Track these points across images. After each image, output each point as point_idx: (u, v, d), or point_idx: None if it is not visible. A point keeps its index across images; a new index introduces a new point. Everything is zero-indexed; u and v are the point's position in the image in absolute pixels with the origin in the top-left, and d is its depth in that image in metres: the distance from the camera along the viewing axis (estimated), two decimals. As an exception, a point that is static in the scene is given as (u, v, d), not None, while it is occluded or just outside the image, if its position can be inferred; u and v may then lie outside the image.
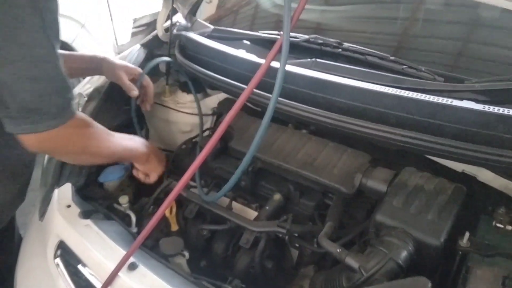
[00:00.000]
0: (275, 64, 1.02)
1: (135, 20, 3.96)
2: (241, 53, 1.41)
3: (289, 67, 1.27)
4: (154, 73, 1.85)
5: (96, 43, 3.56)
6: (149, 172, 1.37)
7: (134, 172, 1.38)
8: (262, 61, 1.13)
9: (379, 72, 1.24)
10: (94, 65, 1.42)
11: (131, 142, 1.29)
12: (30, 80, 0.88)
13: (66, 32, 3.31)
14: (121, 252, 1.01)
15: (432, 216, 1.00)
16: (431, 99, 1.06)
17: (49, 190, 1.26)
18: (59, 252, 1.12)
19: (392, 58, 1.30)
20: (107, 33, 3.70)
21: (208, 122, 1.80)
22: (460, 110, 1.02)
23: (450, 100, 1.04)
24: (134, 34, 3.98)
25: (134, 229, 1.26)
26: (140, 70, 1.49)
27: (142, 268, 0.97)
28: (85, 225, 1.10)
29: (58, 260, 1.12)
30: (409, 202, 1.04)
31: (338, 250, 0.99)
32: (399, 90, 1.11)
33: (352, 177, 1.17)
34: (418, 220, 0.99)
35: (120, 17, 3.76)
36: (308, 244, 1.17)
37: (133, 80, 1.45)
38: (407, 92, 1.10)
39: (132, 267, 0.97)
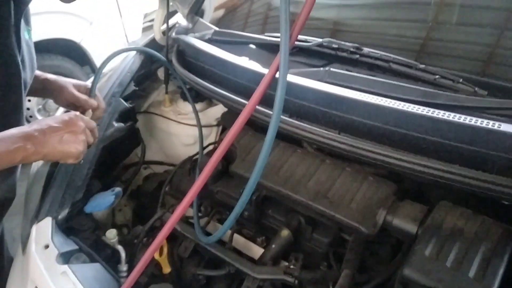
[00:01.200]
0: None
1: (145, 15, 3.81)
2: (243, 61, 1.23)
3: (297, 79, 1.08)
4: (153, 80, 1.69)
5: (106, 41, 3.43)
6: (61, 159, 0.94)
7: None
8: (266, 71, 0.94)
9: (406, 85, 1.02)
10: (40, 85, 1.16)
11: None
12: None
13: (73, 30, 3.18)
14: (98, 311, 0.86)
15: (475, 273, 0.79)
16: (472, 122, 0.85)
17: (28, 223, 1.12)
18: (36, 300, 0.98)
19: (421, 66, 1.08)
20: (117, 30, 3.56)
21: (213, 134, 1.63)
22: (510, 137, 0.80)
23: (497, 124, 0.83)
24: (145, 30, 3.83)
25: (124, 267, 1.11)
26: (89, 85, 1.19)
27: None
28: (61, 272, 0.96)
29: (35, 308, 0.98)
30: (445, 252, 0.84)
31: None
32: (431, 110, 0.90)
33: (374, 213, 0.97)
34: (456, 278, 0.79)
35: (129, 12, 3.60)
36: (322, 291, 1.00)
37: None
38: (441, 112, 0.89)
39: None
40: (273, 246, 1.05)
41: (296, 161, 1.14)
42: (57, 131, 0.90)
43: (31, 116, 3.10)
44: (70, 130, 0.92)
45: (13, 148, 0.84)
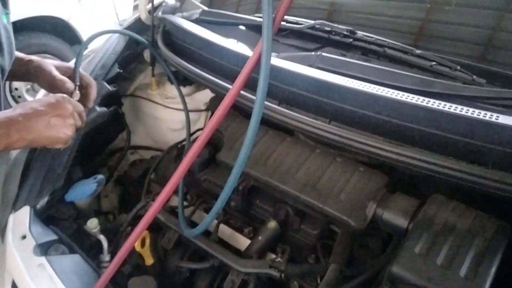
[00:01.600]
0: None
1: (137, -8, 3.67)
2: (230, 44, 1.16)
3: (286, 64, 1.03)
4: (140, 61, 1.62)
5: (95, 19, 3.32)
6: (51, 144, 0.89)
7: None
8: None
9: (401, 72, 0.97)
10: (24, 68, 1.08)
11: None
12: None
13: (61, 8, 3.07)
14: (74, 306, 0.83)
15: (466, 271, 0.76)
16: (469, 113, 0.80)
17: (7, 212, 1.08)
18: (14, 291, 0.95)
19: (418, 52, 1.03)
20: (107, 7, 3.44)
21: (202, 119, 1.57)
22: (510, 130, 0.76)
23: (495, 115, 0.78)
24: (136, 8, 3.70)
25: (107, 257, 1.07)
26: (72, 65, 1.09)
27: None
28: (38, 264, 0.92)
29: (14, 300, 0.95)
30: (436, 249, 0.80)
31: (341, 313, 0.77)
32: (426, 100, 0.85)
33: (364, 206, 0.94)
34: (447, 277, 0.76)
35: (120, -11, 3.48)
36: (310, 286, 0.97)
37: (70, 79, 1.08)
38: (437, 102, 0.84)
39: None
40: (260, 238, 1.01)
41: (285, 150, 1.09)
42: (43, 115, 0.84)
43: (19, 97, 3.02)
44: (57, 113, 0.86)
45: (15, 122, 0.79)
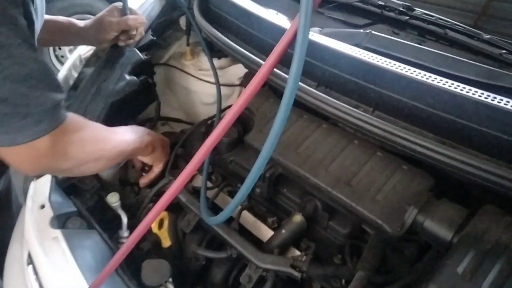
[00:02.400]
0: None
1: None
2: (268, 14, 1.05)
3: (329, 42, 0.91)
4: (176, 29, 1.54)
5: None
6: (153, 163, 1.17)
7: (136, 165, 1.20)
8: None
9: (463, 59, 0.83)
10: (75, 37, 1.19)
11: (133, 135, 1.05)
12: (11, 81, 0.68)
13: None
14: (84, 286, 0.80)
15: (518, 303, 0.65)
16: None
17: (29, 179, 1.07)
18: (30, 260, 0.94)
19: (486, 37, 0.87)
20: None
21: (235, 95, 1.49)
22: None
23: None
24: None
25: (126, 233, 1.05)
26: (119, 5, 1.20)
27: (103, 315, 0.76)
28: (53, 237, 0.90)
29: (30, 268, 0.94)
30: (483, 271, 0.69)
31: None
32: (491, 96, 0.71)
33: (403, 210, 0.83)
34: (494, 306, 0.65)
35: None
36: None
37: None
38: (505, 100, 0.70)
39: (91, 312, 0.76)
40: (283, 231, 0.93)
41: (320, 138, 0.99)
42: (163, 143, 1.19)
43: (62, 56, 3.06)
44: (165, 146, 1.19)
45: (145, 144, 1.08)
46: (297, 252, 0.93)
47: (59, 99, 0.77)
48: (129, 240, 0.85)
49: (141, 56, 1.27)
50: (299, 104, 1.03)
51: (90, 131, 0.90)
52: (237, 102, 0.76)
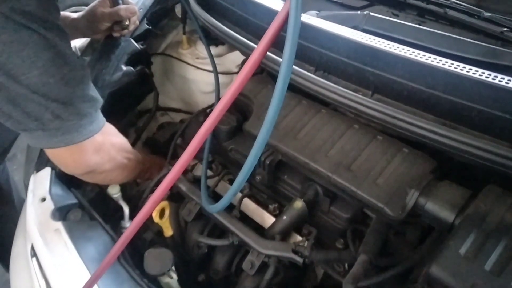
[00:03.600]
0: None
1: None
2: (266, -1, 1.03)
3: (326, 24, 0.90)
4: (171, 18, 1.52)
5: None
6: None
7: None
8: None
9: (464, 39, 0.81)
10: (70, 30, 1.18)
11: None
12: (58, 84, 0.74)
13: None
14: (86, 276, 0.80)
15: (521, 282, 0.64)
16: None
17: (29, 172, 1.07)
18: (33, 253, 0.95)
19: (487, 14, 0.85)
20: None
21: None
22: None
23: None
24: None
25: (127, 223, 1.05)
26: None
27: (106, 305, 0.76)
28: (54, 229, 0.90)
29: (34, 260, 0.95)
30: (486, 251, 0.69)
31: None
32: (492, 74, 0.70)
33: (404, 193, 0.82)
34: (496, 286, 0.65)
35: None
36: (335, 272, 0.89)
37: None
38: (507, 78, 0.69)
39: (95, 301, 0.76)
40: (284, 217, 0.93)
41: (320, 123, 0.98)
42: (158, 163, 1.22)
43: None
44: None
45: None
46: (299, 238, 0.93)
47: (101, 100, 0.86)
48: (129, 228, 0.85)
49: (137, 45, 1.26)
50: (297, 90, 1.02)
51: (122, 137, 1.01)
52: (231, 87, 0.75)
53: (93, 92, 0.84)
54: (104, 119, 0.89)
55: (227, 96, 0.74)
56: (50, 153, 0.86)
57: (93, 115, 0.83)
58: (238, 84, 0.73)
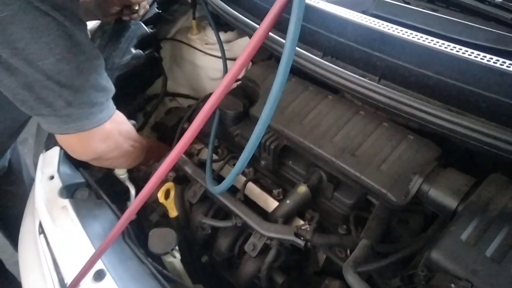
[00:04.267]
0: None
1: None
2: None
3: (334, 8, 0.89)
4: (182, 2, 1.53)
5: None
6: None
7: None
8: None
9: (474, 24, 0.80)
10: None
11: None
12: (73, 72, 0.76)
13: None
14: (92, 252, 0.82)
15: (522, 269, 0.64)
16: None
17: (39, 151, 1.09)
18: (41, 230, 0.97)
19: (498, 0, 0.84)
20: None
21: (243, 69, 1.48)
22: None
23: None
24: None
25: (134, 204, 1.06)
26: None
27: (109, 279, 0.78)
28: (62, 206, 0.92)
29: (42, 237, 0.97)
30: (487, 238, 0.69)
31: (366, 296, 0.69)
32: (501, 61, 0.69)
33: (408, 179, 0.82)
34: (496, 272, 0.65)
35: None
36: (337, 257, 0.90)
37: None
38: (516, 64, 0.68)
39: (98, 276, 0.78)
40: (288, 202, 0.94)
41: (326, 109, 0.98)
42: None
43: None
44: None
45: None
46: (302, 222, 0.94)
47: (113, 89, 0.87)
48: (133, 204, 0.86)
49: (147, 29, 1.26)
50: (304, 76, 1.02)
51: (129, 125, 1.02)
52: (232, 68, 0.74)
53: (107, 82, 0.85)
54: (114, 107, 0.90)
55: (229, 75, 0.74)
56: (60, 138, 0.88)
57: (104, 104, 0.84)
58: (237, 67, 0.72)
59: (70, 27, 0.72)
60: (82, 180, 1.02)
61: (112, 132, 0.91)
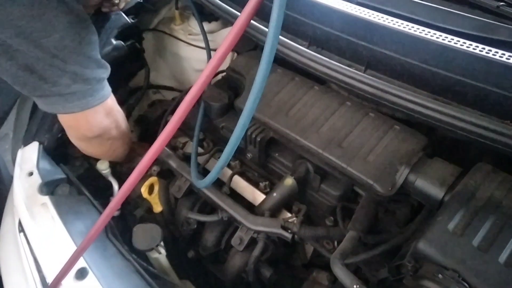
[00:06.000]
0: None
1: None
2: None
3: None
4: (164, -8, 1.49)
5: None
6: None
7: None
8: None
9: (459, 12, 0.79)
10: None
11: None
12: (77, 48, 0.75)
13: None
14: (73, 250, 0.79)
15: (507, 257, 0.64)
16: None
17: (16, 147, 1.05)
18: (21, 228, 0.94)
19: (485, -12, 0.83)
20: None
21: (228, 60, 1.45)
22: None
23: None
24: None
25: (117, 199, 1.04)
26: None
27: (91, 278, 0.75)
28: (41, 203, 0.89)
29: (22, 236, 0.94)
30: (474, 227, 0.69)
31: (354, 287, 0.69)
32: (487, 49, 0.68)
33: (394, 170, 0.81)
34: (483, 261, 0.65)
35: None
36: (325, 249, 0.90)
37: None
38: (501, 52, 0.67)
39: (81, 275, 0.76)
40: (274, 194, 0.93)
41: (312, 100, 0.97)
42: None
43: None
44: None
45: None
46: (289, 215, 0.93)
47: (109, 66, 0.87)
48: (115, 198, 0.83)
49: (128, 20, 1.23)
50: (290, 66, 1.00)
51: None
52: (214, 57, 0.72)
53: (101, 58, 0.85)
54: (109, 87, 0.90)
55: (210, 67, 0.71)
56: (63, 118, 0.87)
57: (105, 80, 0.85)
58: (218, 56, 0.70)
59: (70, 3, 0.72)
60: (62, 176, 0.99)
61: (113, 109, 0.92)
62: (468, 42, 0.70)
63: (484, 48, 0.69)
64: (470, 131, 0.70)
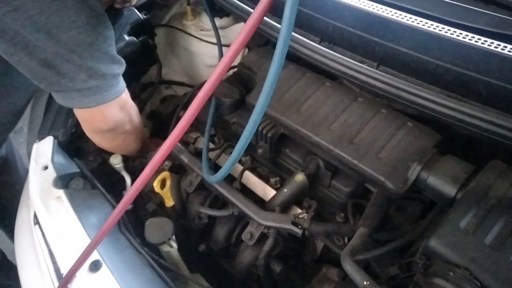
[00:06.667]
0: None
1: None
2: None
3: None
4: (176, -12, 1.49)
5: None
6: None
7: None
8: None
9: (473, 8, 0.78)
10: None
11: None
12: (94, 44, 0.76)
13: None
14: (87, 242, 0.81)
15: (521, 257, 0.64)
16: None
17: (32, 141, 1.07)
18: (36, 220, 0.96)
19: (500, -17, 0.82)
20: None
21: (240, 56, 1.45)
22: None
23: None
24: None
25: (129, 194, 1.05)
26: None
27: (105, 270, 0.77)
28: (56, 197, 0.91)
29: (37, 228, 0.96)
30: (486, 225, 0.68)
31: (365, 284, 0.69)
32: (503, 45, 0.68)
33: (406, 167, 0.81)
34: (495, 260, 0.64)
35: None
36: (335, 245, 0.90)
37: None
38: (517, 48, 0.66)
39: (94, 267, 0.77)
40: (285, 190, 0.93)
41: (323, 96, 0.96)
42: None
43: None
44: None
45: None
46: (299, 211, 0.93)
47: (124, 62, 0.88)
48: (128, 193, 0.84)
49: (140, 15, 1.23)
50: (302, 62, 1.00)
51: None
52: (227, 54, 0.72)
53: (116, 56, 0.86)
54: (124, 81, 0.91)
55: (222, 64, 0.71)
56: (78, 112, 0.89)
57: (120, 76, 0.86)
58: (231, 53, 0.70)
59: None
60: (76, 170, 1.00)
61: (127, 102, 0.94)
62: (482, 39, 0.69)
63: (499, 45, 0.68)
64: (484, 128, 0.70)
